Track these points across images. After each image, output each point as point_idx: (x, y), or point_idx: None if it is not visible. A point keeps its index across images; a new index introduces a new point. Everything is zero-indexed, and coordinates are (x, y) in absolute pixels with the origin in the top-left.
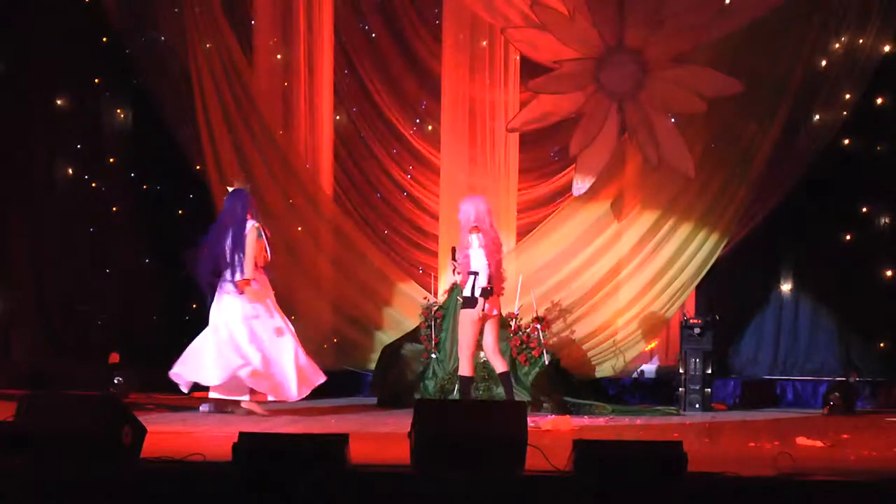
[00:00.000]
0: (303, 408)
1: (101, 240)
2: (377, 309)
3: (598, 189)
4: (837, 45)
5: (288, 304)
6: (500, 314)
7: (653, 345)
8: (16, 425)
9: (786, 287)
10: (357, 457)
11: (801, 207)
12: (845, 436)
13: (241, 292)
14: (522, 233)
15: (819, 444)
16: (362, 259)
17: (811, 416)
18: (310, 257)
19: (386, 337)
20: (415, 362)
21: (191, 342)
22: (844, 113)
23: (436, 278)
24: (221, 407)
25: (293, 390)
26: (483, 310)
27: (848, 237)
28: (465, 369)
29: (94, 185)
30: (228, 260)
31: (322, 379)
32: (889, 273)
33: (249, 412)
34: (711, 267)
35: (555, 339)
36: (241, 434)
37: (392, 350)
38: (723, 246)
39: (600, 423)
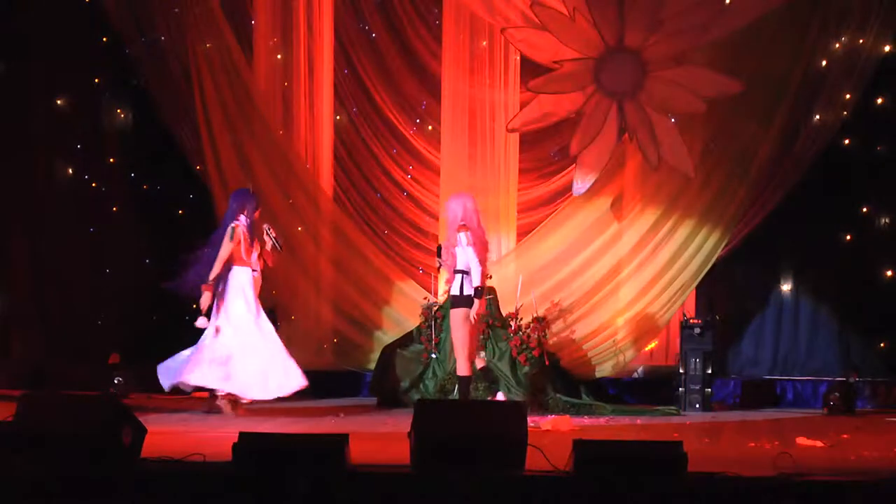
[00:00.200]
0: (303, 408)
1: (101, 240)
2: (377, 309)
3: (598, 189)
4: (837, 45)
5: (288, 304)
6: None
7: (653, 345)
8: (16, 425)
9: (786, 287)
10: (357, 457)
11: (801, 207)
12: (845, 436)
13: (200, 294)
14: (522, 233)
15: (819, 444)
16: (362, 259)
17: (811, 416)
18: (310, 257)
19: (386, 337)
20: (415, 362)
21: (192, 343)
22: (844, 113)
23: (436, 278)
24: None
25: (256, 390)
26: (476, 309)
27: (848, 237)
28: (463, 369)
29: (94, 185)
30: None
31: (299, 384)
32: (889, 273)
33: (217, 409)
34: (711, 267)
35: (555, 339)
36: (241, 434)
37: (392, 350)
38: (723, 246)
39: (600, 423)
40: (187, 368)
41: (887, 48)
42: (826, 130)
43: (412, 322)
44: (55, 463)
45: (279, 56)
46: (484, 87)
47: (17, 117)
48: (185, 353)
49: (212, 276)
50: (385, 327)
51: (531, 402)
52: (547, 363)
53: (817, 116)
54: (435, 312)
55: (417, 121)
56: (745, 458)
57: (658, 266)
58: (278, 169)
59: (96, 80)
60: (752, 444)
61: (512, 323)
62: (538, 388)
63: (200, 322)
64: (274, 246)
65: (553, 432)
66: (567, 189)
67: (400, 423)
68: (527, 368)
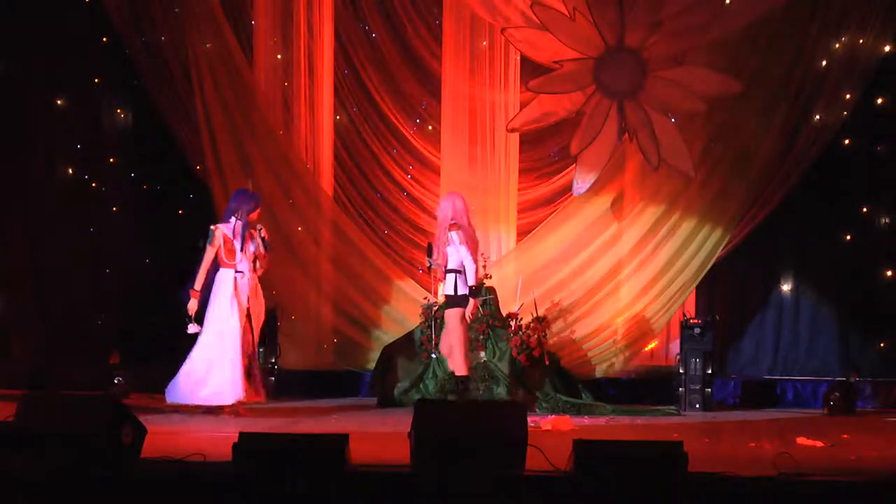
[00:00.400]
0: (303, 408)
1: (101, 240)
2: (377, 309)
3: (599, 189)
4: (838, 46)
5: (288, 304)
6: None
7: (653, 345)
8: (16, 425)
9: (786, 287)
10: (357, 457)
11: (801, 207)
12: (845, 436)
13: (188, 299)
14: (522, 233)
15: (819, 444)
16: (362, 259)
17: (811, 416)
18: (310, 257)
19: (386, 337)
20: (415, 362)
21: (190, 344)
22: (844, 113)
23: (436, 278)
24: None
25: (211, 396)
26: (472, 308)
27: (848, 237)
28: (461, 369)
29: (94, 185)
30: None
31: (255, 400)
32: (889, 273)
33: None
34: (711, 267)
35: (555, 339)
36: (241, 434)
37: (392, 350)
38: (723, 246)
39: (600, 423)
40: (168, 386)
41: (887, 48)
42: (826, 130)
43: (412, 322)
44: (55, 463)
45: (279, 56)
46: (484, 87)
47: (17, 117)
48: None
49: (197, 281)
50: (385, 327)
51: (531, 401)
52: (547, 363)
53: (817, 116)
54: (435, 312)
55: (417, 121)
56: (745, 458)
57: (658, 266)
58: (278, 169)
59: (96, 80)
60: (752, 444)
61: (512, 323)
62: (538, 388)
63: (191, 328)
64: (259, 247)
65: (553, 432)
66: (567, 189)
67: (400, 423)
68: (527, 368)
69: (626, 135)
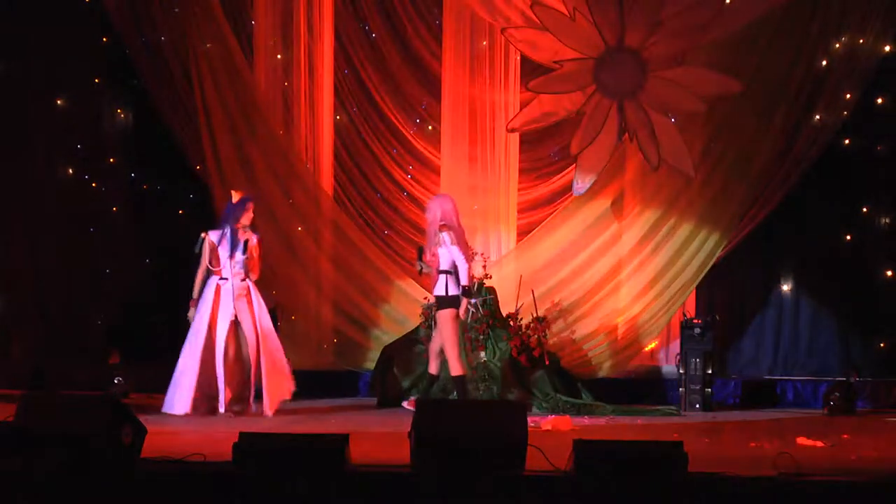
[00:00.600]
0: (303, 408)
1: (101, 240)
2: (377, 309)
3: (599, 189)
4: (838, 45)
5: (288, 304)
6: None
7: (653, 345)
8: (16, 425)
9: (786, 287)
10: (357, 457)
11: (801, 207)
12: (845, 436)
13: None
14: (522, 233)
15: (819, 444)
16: (362, 259)
17: (811, 416)
18: (310, 257)
19: (386, 337)
20: (415, 362)
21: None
22: (844, 113)
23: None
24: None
25: (173, 405)
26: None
27: (848, 237)
28: (456, 369)
29: (94, 185)
30: None
31: (215, 412)
32: (889, 273)
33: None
34: (711, 267)
35: (555, 339)
36: (241, 434)
37: (392, 350)
38: (723, 246)
39: (600, 423)
40: None
41: (887, 48)
42: (826, 130)
43: (412, 322)
44: (55, 463)
45: (279, 56)
46: (484, 87)
47: (17, 117)
48: None
49: (194, 289)
50: (385, 327)
51: (530, 401)
52: (547, 363)
53: (817, 116)
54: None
55: (417, 121)
56: (745, 458)
57: (658, 266)
58: (279, 168)
59: (96, 80)
60: (752, 444)
61: (512, 323)
62: (538, 388)
63: None
64: (250, 253)
65: (553, 432)
66: (567, 189)
67: (400, 423)
68: (527, 368)
69: (626, 135)
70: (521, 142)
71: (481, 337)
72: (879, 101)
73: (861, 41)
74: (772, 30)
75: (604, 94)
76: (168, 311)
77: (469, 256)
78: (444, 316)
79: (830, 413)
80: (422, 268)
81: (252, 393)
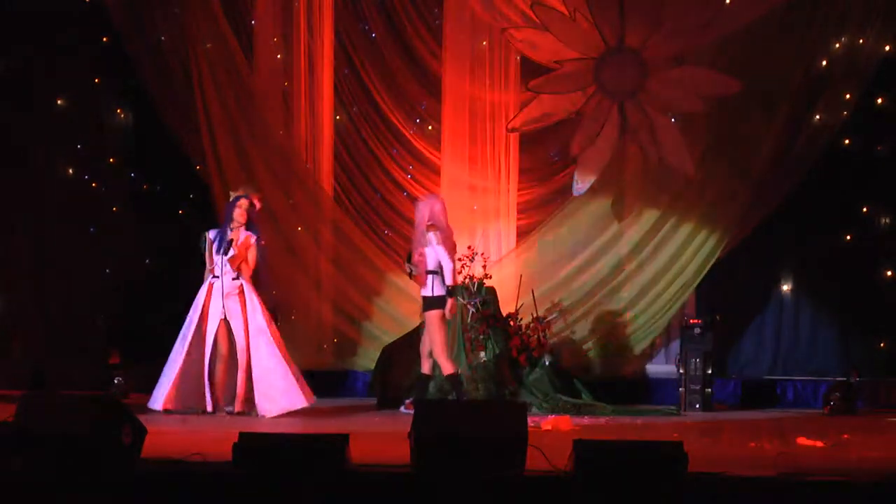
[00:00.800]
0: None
1: (101, 240)
2: (377, 309)
3: (599, 189)
4: (838, 45)
5: (288, 304)
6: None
7: (653, 345)
8: (16, 425)
9: (786, 287)
10: (357, 457)
11: (801, 207)
12: (845, 436)
13: None
14: (522, 233)
15: (819, 444)
16: (363, 258)
17: (811, 416)
18: (310, 257)
19: (386, 337)
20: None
21: None
22: (844, 113)
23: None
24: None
25: (154, 400)
26: (451, 308)
27: (848, 237)
28: (447, 369)
29: (94, 185)
30: None
31: (190, 408)
32: (889, 273)
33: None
34: (711, 267)
35: (555, 339)
36: (241, 434)
37: (392, 350)
38: (723, 246)
39: (600, 423)
40: None
41: (887, 48)
42: (826, 130)
43: (412, 322)
44: (55, 463)
45: (279, 56)
46: (484, 87)
47: (17, 117)
48: None
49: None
50: (385, 327)
51: (530, 401)
52: (547, 363)
53: (817, 116)
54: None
55: (417, 121)
56: (746, 458)
57: (658, 266)
58: (279, 168)
59: (96, 80)
60: (753, 444)
61: (512, 323)
62: (538, 388)
63: None
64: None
65: (553, 432)
66: (567, 189)
67: (400, 423)
68: (527, 369)
69: (627, 135)
70: (521, 142)
71: (481, 337)
72: (879, 101)
73: (861, 41)
74: (772, 30)
75: (604, 94)
76: (168, 311)
77: (454, 257)
78: (431, 317)
79: (830, 413)
80: (411, 270)
81: (243, 393)
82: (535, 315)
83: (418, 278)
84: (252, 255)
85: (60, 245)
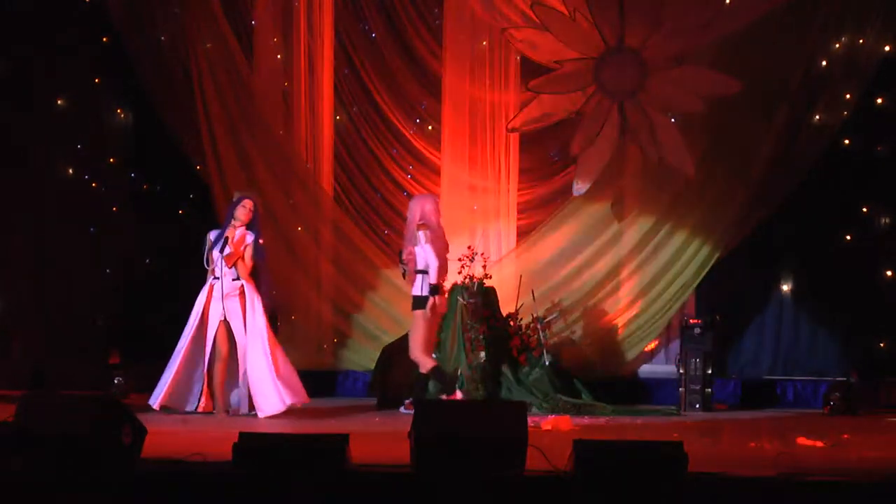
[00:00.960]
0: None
1: (101, 240)
2: (377, 308)
3: (599, 189)
4: (838, 45)
5: (288, 304)
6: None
7: (653, 345)
8: (16, 425)
9: (786, 287)
10: (357, 457)
11: (801, 207)
12: (845, 436)
13: None
14: (522, 233)
15: (819, 444)
16: (363, 259)
17: (811, 416)
18: (310, 257)
19: (386, 337)
20: (414, 363)
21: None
22: (844, 113)
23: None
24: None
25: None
26: (433, 308)
27: (848, 237)
28: (425, 365)
29: (94, 185)
30: None
31: (184, 408)
32: (889, 273)
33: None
34: (711, 267)
35: (555, 339)
36: (241, 434)
37: (392, 350)
38: (723, 246)
39: (600, 423)
40: None
41: (887, 48)
42: (826, 130)
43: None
44: (55, 463)
45: (279, 56)
46: (484, 88)
47: (17, 117)
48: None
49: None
50: (385, 327)
51: (530, 401)
52: (547, 363)
53: (817, 116)
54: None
55: (417, 121)
56: (746, 458)
57: (658, 266)
58: (278, 168)
59: (96, 80)
60: (752, 444)
61: (512, 323)
62: (538, 388)
63: None
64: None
65: (553, 432)
66: (567, 189)
67: (400, 423)
68: (527, 369)
69: (627, 135)
70: (521, 142)
71: (481, 337)
72: (879, 101)
73: (861, 41)
74: (772, 30)
75: (604, 94)
76: (168, 311)
77: (445, 258)
78: (415, 316)
79: (830, 413)
80: (404, 270)
81: (244, 393)
82: (535, 315)
83: (409, 277)
84: (248, 253)
85: (60, 245)
